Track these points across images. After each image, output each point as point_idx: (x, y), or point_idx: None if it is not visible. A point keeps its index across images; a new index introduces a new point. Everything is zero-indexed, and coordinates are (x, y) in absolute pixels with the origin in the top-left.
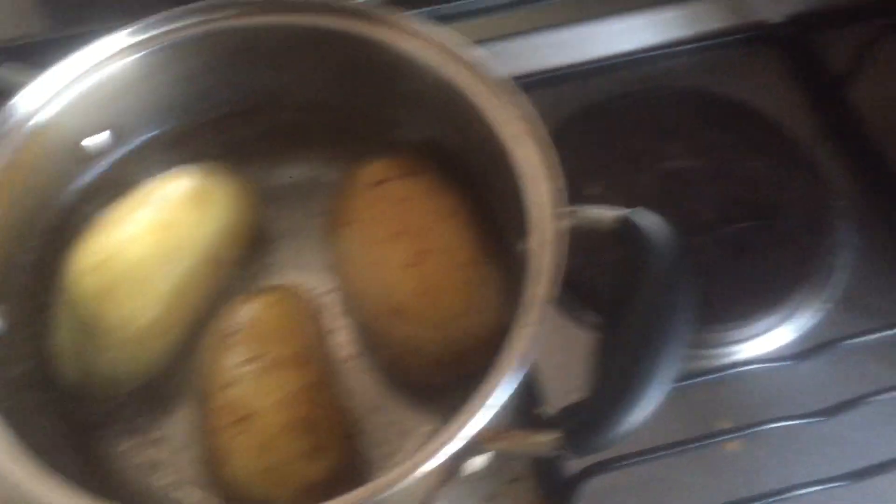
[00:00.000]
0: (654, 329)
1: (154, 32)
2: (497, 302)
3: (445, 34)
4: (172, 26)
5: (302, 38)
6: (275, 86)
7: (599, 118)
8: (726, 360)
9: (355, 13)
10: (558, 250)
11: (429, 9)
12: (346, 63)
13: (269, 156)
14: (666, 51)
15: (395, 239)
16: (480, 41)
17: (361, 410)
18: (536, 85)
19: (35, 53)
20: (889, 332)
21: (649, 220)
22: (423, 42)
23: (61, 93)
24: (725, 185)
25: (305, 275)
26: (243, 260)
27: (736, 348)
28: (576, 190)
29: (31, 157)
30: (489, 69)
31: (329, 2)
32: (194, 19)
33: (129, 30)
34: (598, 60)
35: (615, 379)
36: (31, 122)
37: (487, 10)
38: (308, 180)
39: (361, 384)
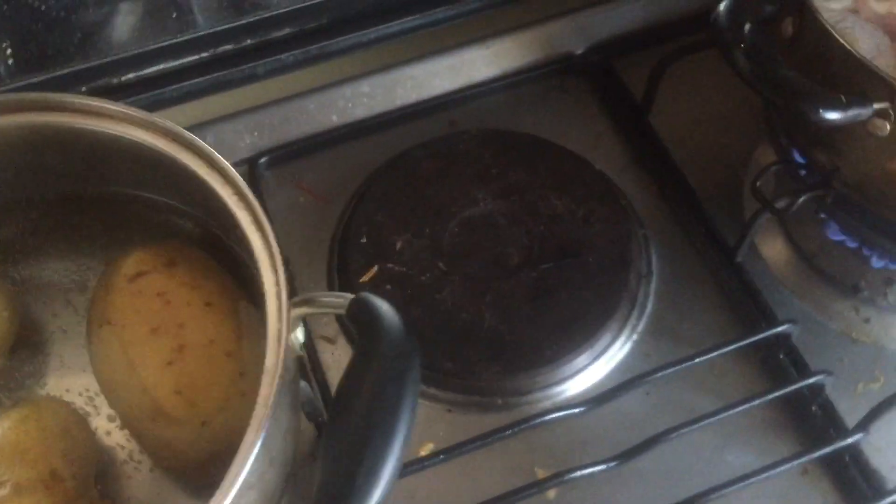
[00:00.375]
0: (373, 428)
1: None
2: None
3: (168, 122)
4: None
5: (38, 135)
6: (26, 183)
7: (407, 168)
8: (540, 406)
9: (75, 108)
10: (283, 347)
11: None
12: (86, 155)
13: (30, 252)
14: (472, 91)
15: (151, 337)
16: (269, 104)
17: None
18: (341, 139)
19: None
20: (699, 360)
21: (376, 303)
22: (153, 132)
23: None
24: (532, 225)
25: (76, 378)
26: (5, 366)
27: (548, 392)
28: (383, 244)
29: None
30: (211, 153)
31: (45, 98)
32: None
33: None
34: (406, 107)
35: (335, 486)
36: None
37: (276, 71)
38: (75, 276)
39: (140, 489)
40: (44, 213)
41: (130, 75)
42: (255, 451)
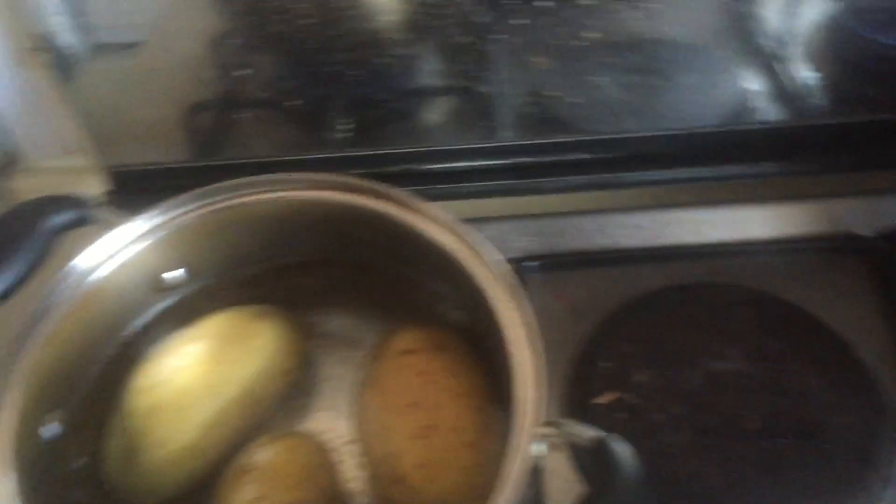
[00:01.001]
0: None
1: (226, 195)
2: (493, 486)
3: (455, 219)
4: (243, 191)
5: (349, 213)
6: (330, 246)
7: (661, 305)
8: None
9: (389, 197)
10: (524, 464)
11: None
12: (388, 237)
13: (320, 306)
14: (742, 247)
15: (408, 409)
16: (551, 214)
17: None
18: (606, 262)
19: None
20: None
21: (622, 448)
22: (440, 226)
23: (146, 236)
24: (777, 396)
25: (335, 421)
26: (280, 399)
27: None
28: (624, 374)
29: (112, 286)
30: (497, 264)
31: (365, 184)
32: (260, 188)
33: (204, 190)
34: (670, 248)
35: None
36: (115, 259)
37: (550, 190)
38: (352, 334)
39: None
40: (341, 275)
41: (437, 166)
42: None
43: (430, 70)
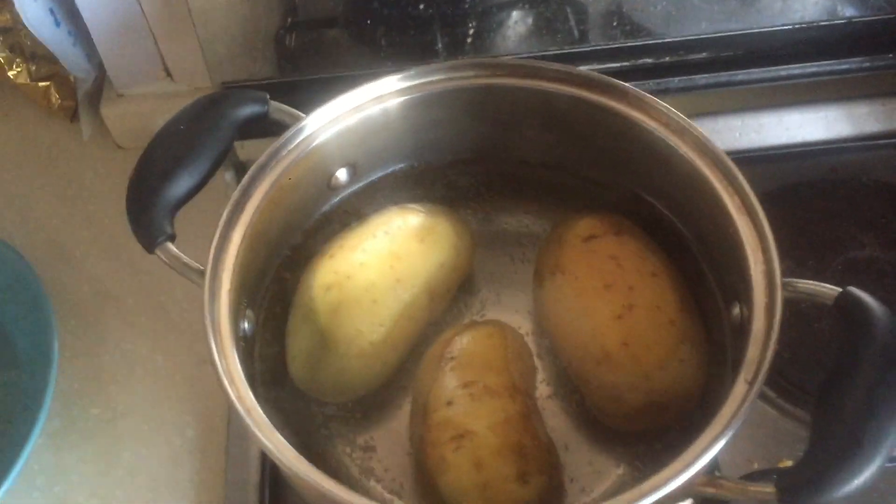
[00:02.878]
0: (881, 399)
1: (415, 82)
2: (697, 360)
3: (670, 108)
4: (429, 78)
5: (532, 100)
6: (500, 140)
7: (790, 201)
8: None
9: (588, 82)
10: (779, 316)
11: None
12: (569, 126)
13: (485, 203)
14: (860, 143)
15: (604, 291)
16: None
17: (559, 445)
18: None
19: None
20: None
21: (869, 300)
22: (652, 114)
23: (324, 129)
24: None
25: (507, 315)
26: (456, 294)
27: None
28: None
29: (292, 182)
30: (711, 144)
31: (561, 68)
32: (440, 76)
33: (398, 76)
34: (791, 146)
35: (836, 442)
36: (298, 153)
37: (686, 90)
38: (516, 229)
39: (559, 422)
40: (500, 172)
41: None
42: (747, 401)
43: None
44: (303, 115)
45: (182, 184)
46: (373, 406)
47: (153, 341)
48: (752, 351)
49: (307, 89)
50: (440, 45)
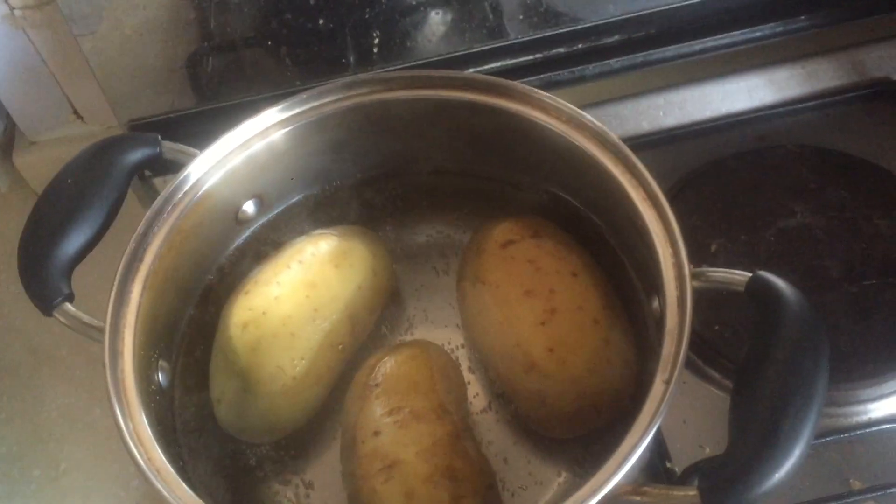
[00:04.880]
0: (793, 388)
1: (299, 109)
2: (625, 358)
3: (566, 103)
4: (315, 103)
5: (431, 109)
6: (407, 153)
7: (719, 175)
8: (857, 420)
9: (481, 85)
10: (690, 310)
11: (540, 77)
12: (473, 131)
13: (402, 217)
14: (784, 108)
15: (525, 298)
16: (599, 103)
17: (497, 460)
18: (655, 143)
19: (184, 127)
20: None
21: (779, 283)
22: (547, 110)
23: (219, 166)
24: (852, 242)
25: (436, 331)
26: (380, 316)
27: (867, 407)
28: (698, 246)
29: (193, 223)
30: (610, 135)
31: (454, 75)
32: (334, 96)
33: (279, 107)
34: (717, 119)
35: (753, 437)
36: (195, 193)
37: (603, 75)
38: (437, 241)
39: (495, 435)
40: (413, 185)
41: (470, 70)
42: (665, 401)
43: None
44: (197, 152)
45: (75, 240)
46: (306, 441)
47: (90, 394)
48: (668, 347)
49: (220, 117)
50: (351, 58)
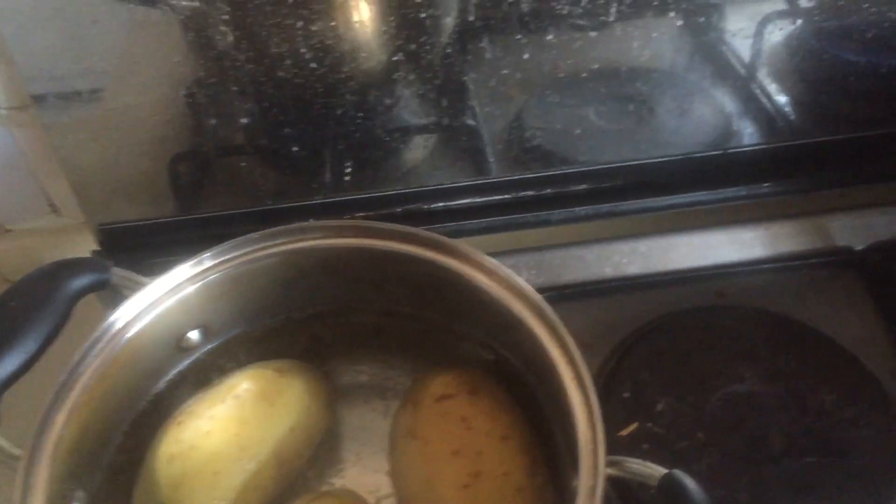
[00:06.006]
0: None
1: (253, 247)
2: None
3: (503, 267)
4: (269, 242)
5: (380, 257)
6: (356, 294)
7: (674, 330)
8: None
9: (425, 241)
10: (599, 500)
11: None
12: (419, 281)
13: (349, 355)
14: (746, 268)
15: (452, 458)
16: (564, 244)
17: None
18: (616, 290)
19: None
20: None
21: (689, 484)
22: (485, 271)
23: (166, 297)
24: (796, 415)
25: (367, 475)
26: (311, 457)
27: None
28: (646, 403)
29: (133, 352)
30: (546, 309)
31: (401, 229)
32: (286, 238)
33: (231, 243)
34: (678, 272)
35: None
36: (138, 323)
37: (569, 220)
38: (380, 382)
39: None
40: (361, 324)
41: (439, 205)
42: None
43: (415, 109)
44: (147, 280)
45: (7, 365)
46: None
47: None
48: None
49: (191, 227)
50: (326, 179)
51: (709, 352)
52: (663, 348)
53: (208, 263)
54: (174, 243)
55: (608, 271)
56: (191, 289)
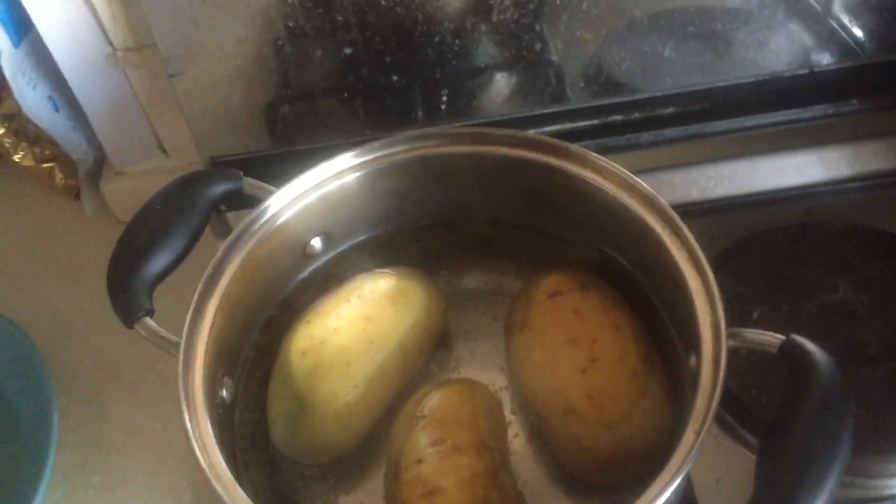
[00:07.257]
0: (818, 446)
1: (370, 156)
2: (661, 410)
3: (620, 167)
4: (385, 151)
5: (492, 164)
6: (466, 203)
7: (764, 247)
8: (890, 492)
9: (539, 145)
10: (724, 366)
11: (596, 141)
12: (530, 187)
13: (457, 263)
14: (832, 187)
15: (568, 345)
16: (652, 170)
17: (532, 498)
18: (704, 212)
19: (259, 167)
20: None
21: (811, 347)
22: (601, 172)
23: (293, 203)
24: (892, 321)
25: (481, 372)
26: (429, 353)
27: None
28: (741, 313)
29: (266, 254)
30: (659, 200)
31: (515, 134)
32: (403, 147)
33: (353, 153)
34: (766, 192)
35: (776, 490)
36: (270, 226)
37: (657, 143)
38: (488, 288)
39: (532, 474)
40: (471, 234)
41: (531, 131)
42: (695, 449)
43: (506, 40)
44: (275, 189)
45: (159, 261)
46: (353, 465)
47: (152, 410)
48: (701, 400)
49: (292, 160)
50: (419, 113)
51: (800, 265)
52: (755, 263)
53: (324, 175)
54: (276, 174)
55: (695, 194)
56: (315, 196)
